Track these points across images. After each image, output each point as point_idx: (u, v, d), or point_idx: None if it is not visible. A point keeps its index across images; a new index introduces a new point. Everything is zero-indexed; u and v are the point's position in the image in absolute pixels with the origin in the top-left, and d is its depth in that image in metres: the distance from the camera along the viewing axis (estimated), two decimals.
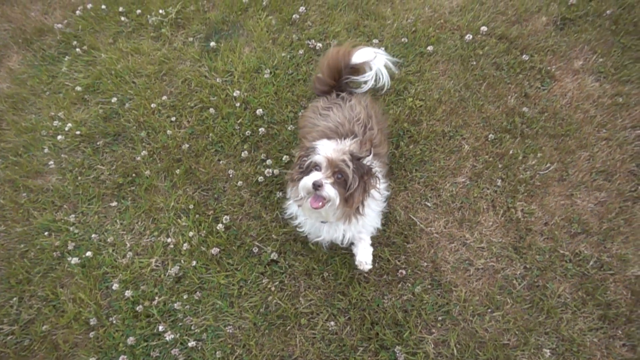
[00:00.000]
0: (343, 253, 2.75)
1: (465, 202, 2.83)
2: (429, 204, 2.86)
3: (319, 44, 3.43)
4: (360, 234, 2.50)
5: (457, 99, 3.14)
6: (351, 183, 2.08)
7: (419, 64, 3.29)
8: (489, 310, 2.57)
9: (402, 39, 3.39)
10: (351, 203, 2.15)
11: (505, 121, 3.03)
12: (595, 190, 2.78)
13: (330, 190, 2.06)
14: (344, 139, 2.27)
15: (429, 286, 2.65)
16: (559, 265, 2.63)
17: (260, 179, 3.00)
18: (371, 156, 2.18)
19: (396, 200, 2.88)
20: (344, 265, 2.72)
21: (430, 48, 3.32)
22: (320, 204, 2.10)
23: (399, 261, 2.71)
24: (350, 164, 2.07)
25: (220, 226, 2.89)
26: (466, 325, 2.54)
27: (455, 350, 2.48)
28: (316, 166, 2.12)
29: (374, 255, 2.68)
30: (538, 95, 3.10)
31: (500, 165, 2.90)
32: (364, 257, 2.48)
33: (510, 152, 2.92)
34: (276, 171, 3.01)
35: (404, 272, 2.67)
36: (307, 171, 2.15)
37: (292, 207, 2.53)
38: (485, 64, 3.24)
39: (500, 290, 2.61)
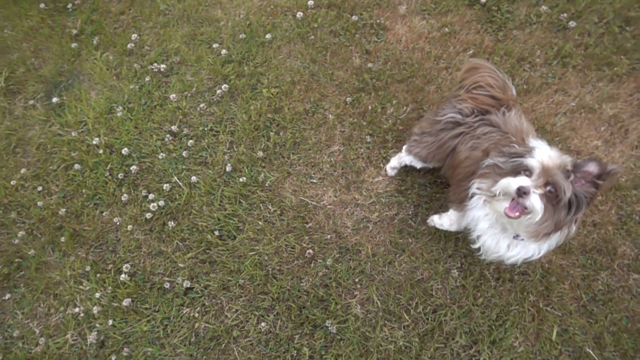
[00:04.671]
0: (251, 255, 2.79)
1: (345, 167, 2.98)
2: (314, 181, 2.97)
3: (163, 65, 3.39)
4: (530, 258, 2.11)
5: (308, 75, 3.25)
6: (569, 201, 1.74)
7: (264, 54, 3.36)
8: (397, 255, 2.74)
9: (240, 36, 3.43)
10: (559, 224, 1.81)
11: (356, 81, 3.19)
12: None
13: (536, 202, 1.75)
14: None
15: (339, 255, 2.77)
16: (442, 193, 2.85)
17: (148, 215, 2.94)
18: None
19: (284, 187, 2.96)
20: (255, 266, 2.77)
21: (268, 36, 3.39)
22: (518, 213, 1.81)
23: (304, 243, 2.80)
24: (571, 176, 1.73)
25: (124, 276, 2.81)
26: (381, 277, 2.70)
27: (379, 303, 2.63)
28: (526, 170, 1.81)
29: (279, 246, 2.77)
30: (377, 49, 3.29)
31: (364, 123, 3.07)
32: None
33: (370, 107, 3.10)
34: (161, 203, 2.96)
35: (311, 251, 2.76)
36: (512, 171, 1.85)
37: (474, 211, 2.13)
38: (323, 35, 3.37)
39: (401, 233, 2.79)
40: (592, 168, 1.74)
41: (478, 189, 2.04)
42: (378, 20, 3.38)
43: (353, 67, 3.24)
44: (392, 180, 2.91)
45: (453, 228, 2.55)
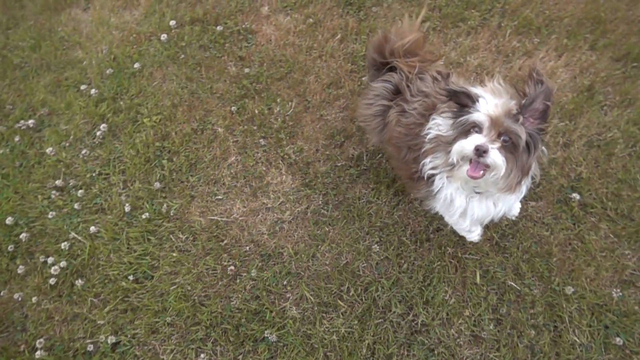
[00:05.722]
0: (173, 290, 2.67)
1: (247, 175, 2.94)
2: (220, 197, 2.90)
3: (31, 121, 3.16)
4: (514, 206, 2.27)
5: (188, 94, 3.18)
6: (526, 145, 1.71)
7: (137, 84, 3.24)
8: (318, 247, 2.74)
9: (108, 71, 3.28)
10: (526, 169, 1.79)
11: (237, 89, 3.17)
12: (334, 101, 3.10)
13: (496, 157, 1.69)
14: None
15: (261, 263, 2.72)
16: (345, 175, 2.90)
17: (52, 280, 2.72)
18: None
19: (190, 212, 2.86)
20: (180, 299, 2.65)
21: (137, 65, 3.28)
22: (482, 172, 1.74)
23: (224, 261, 2.73)
24: (520, 118, 1.68)
25: (40, 353, 2.57)
26: (309, 272, 2.69)
27: (312, 298, 2.61)
28: (475, 127, 1.74)
29: (200, 272, 2.68)
30: (250, 53, 3.29)
31: (255, 128, 3.05)
32: (517, 208, 2.53)
33: (256, 111, 3.08)
34: (63, 263, 2.75)
35: (233, 267, 2.69)
36: (462, 133, 1.77)
37: (443, 192, 2.07)
38: (193, 51, 3.32)
39: (317, 225, 2.79)
40: (538, 105, 1.72)
41: (433, 168, 2.00)
42: (244, 26, 3.38)
43: (231, 76, 3.22)
44: (295, 176, 2.92)
45: (469, 231, 2.49)
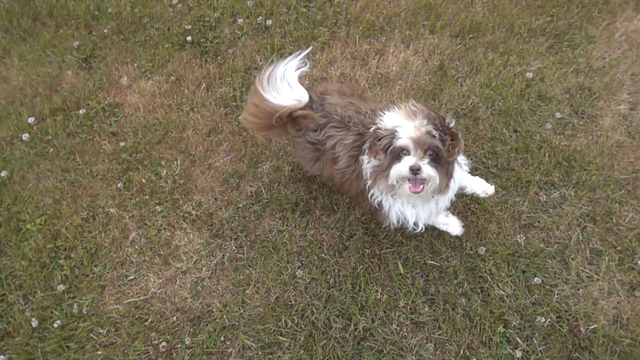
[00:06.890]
0: None
1: (153, 245, 2.85)
2: (131, 277, 2.78)
3: None
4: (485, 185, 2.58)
5: (68, 185, 3.05)
6: (444, 154, 2.02)
7: (11, 192, 3.05)
8: (245, 291, 2.70)
9: None
10: (450, 173, 2.13)
11: (118, 165, 3.09)
12: (218, 147, 3.12)
13: (429, 171, 2.00)
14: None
15: (193, 328, 2.63)
16: (250, 214, 2.90)
17: None
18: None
19: (105, 302, 2.71)
20: None
21: (4, 173, 3.09)
22: (421, 187, 2.05)
23: (154, 340, 2.59)
24: (436, 134, 1.99)
25: None
26: (243, 320, 2.63)
27: (253, 344, 2.56)
28: (403, 150, 2.03)
29: None
30: (121, 126, 3.23)
31: (147, 197, 2.98)
32: (484, 186, 2.60)
33: (144, 180, 3.02)
34: None
35: (165, 343, 2.57)
36: (394, 158, 2.06)
37: (394, 209, 2.35)
38: (62, 142, 3.20)
39: (237, 271, 2.76)
40: (447, 130, 2.06)
41: (379, 194, 2.28)
42: (107, 101, 3.32)
43: (108, 154, 3.13)
44: (202, 231, 2.87)
45: (445, 224, 2.69)
